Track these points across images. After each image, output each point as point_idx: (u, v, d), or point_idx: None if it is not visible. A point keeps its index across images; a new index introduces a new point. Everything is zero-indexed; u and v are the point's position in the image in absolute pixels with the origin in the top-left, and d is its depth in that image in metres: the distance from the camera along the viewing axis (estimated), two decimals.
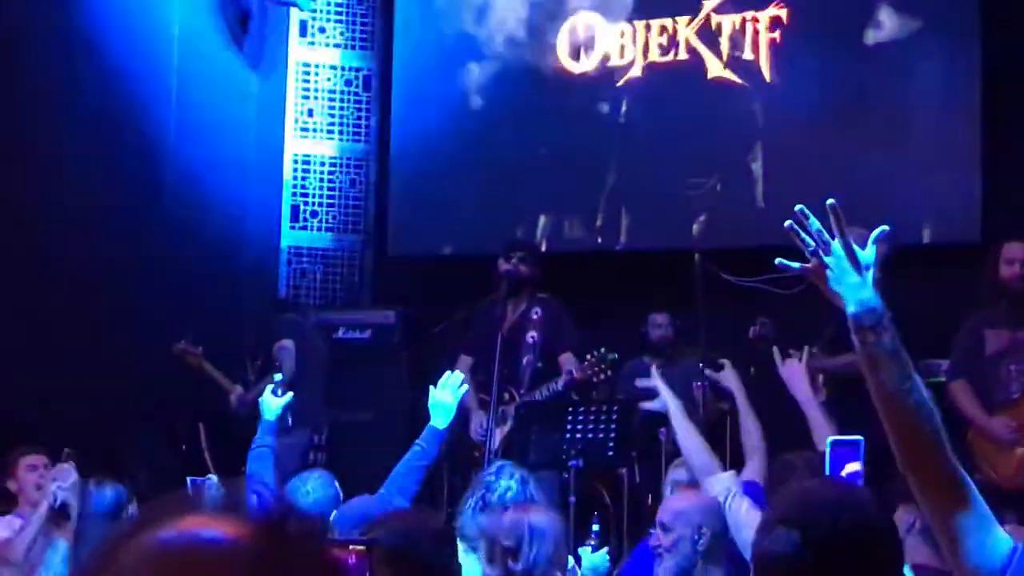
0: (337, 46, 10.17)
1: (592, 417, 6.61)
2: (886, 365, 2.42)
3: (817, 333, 6.61)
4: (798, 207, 2.54)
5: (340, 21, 10.18)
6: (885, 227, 2.60)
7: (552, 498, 5.87)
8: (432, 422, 5.28)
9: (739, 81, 9.10)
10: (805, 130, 8.86)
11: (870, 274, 2.48)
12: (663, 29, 9.34)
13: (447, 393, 5.35)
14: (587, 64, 9.51)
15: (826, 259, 2.51)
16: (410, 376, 8.49)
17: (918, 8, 8.65)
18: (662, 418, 5.24)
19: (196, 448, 8.54)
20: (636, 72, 9.38)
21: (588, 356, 7.10)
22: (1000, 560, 2.42)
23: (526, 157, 9.44)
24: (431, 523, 3.63)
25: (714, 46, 9.18)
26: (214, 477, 6.29)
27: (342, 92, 10.13)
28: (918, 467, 2.45)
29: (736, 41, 9.13)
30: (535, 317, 7.52)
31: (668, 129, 9.25)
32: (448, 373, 5.52)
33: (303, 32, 10.10)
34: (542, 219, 9.46)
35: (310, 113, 10.07)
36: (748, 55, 9.10)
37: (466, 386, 5.70)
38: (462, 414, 6.52)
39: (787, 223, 2.53)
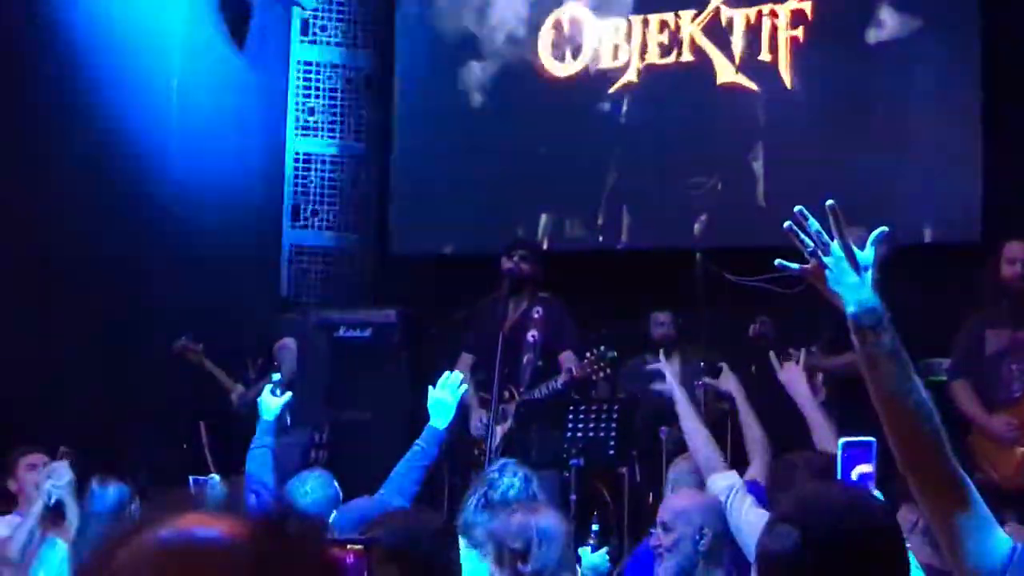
0: (338, 45, 10.16)
1: (593, 416, 6.61)
2: (885, 365, 2.43)
3: (817, 333, 6.62)
4: (797, 208, 2.55)
5: (341, 20, 10.17)
6: (884, 228, 2.61)
7: (553, 497, 5.87)
8: (432, 422, 5.27)
9: (754, 88, 8.75)
10: (806, 130, 8.85)
11: (869, 275, 2.50)
12: (664, 25, 9.10)
13: (446, 393, 5.33)
14: (577, 65, 9.31)
15: (825, 260, 2.52)
16: (410, 376, 8.48)
17: (918, 7, 8.63)
18: (664, 416, 5.25)
19: (197, 447, 8.54)
20: (631, 77, 9.11)
21: (587, 354, 7.10)
22: (1000, 560, 2.43)
23: (527, 156, 9.41)
24: (431, 522, 3.62)
25: (724, 46, 8.82)
26: (216, 476, 6.29)
27: (343, 91, 10.13)
28: (918, 467, 2.46)
29: (750, 40, 8.66)
30: (536, 316, 7.52)
31: (669, 128, 9.20)
32: (447, 373, 5.51)
33: (304, 31, 10.10)
34: (543, 218, 9.44)
35: (311, 112, 10.06)
36: (765, 56, 8.73)
37: (465, 386, 5.69)
38: (462, 413, 6.51)
39: (786, 224, 2.54)
